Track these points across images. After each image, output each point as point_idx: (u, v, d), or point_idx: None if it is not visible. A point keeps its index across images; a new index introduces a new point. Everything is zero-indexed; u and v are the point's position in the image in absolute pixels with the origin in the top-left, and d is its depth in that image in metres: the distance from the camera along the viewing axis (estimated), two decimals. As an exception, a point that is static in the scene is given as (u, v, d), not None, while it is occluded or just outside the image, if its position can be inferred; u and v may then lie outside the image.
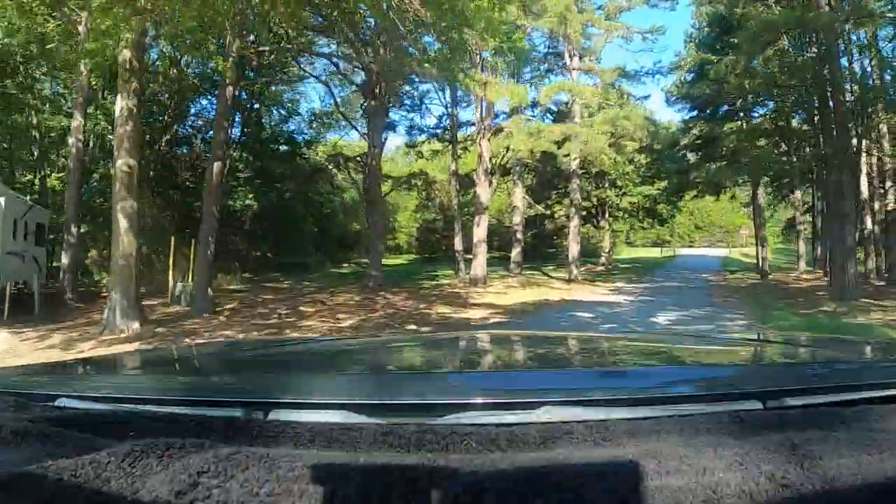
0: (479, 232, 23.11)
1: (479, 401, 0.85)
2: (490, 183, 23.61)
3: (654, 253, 55.50)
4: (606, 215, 38.19)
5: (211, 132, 18.87)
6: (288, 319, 12.97)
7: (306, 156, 29.28)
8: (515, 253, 30.25)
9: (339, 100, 25.46)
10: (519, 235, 30.63)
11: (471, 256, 24.20)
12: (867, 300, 15.38)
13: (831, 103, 16.63)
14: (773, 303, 16.18)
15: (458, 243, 27.54)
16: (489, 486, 0.52)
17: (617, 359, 1.57)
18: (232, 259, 24.20)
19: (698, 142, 31.61)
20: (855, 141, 16.87)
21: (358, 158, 25.94)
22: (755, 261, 32.65)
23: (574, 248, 26.86)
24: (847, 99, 16.72)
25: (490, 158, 24.48)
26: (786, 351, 1.70)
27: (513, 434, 0.67)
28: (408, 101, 29.08)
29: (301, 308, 15.06)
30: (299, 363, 1.55)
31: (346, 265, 33.94)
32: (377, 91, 21.57)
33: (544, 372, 1.29)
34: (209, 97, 23.63)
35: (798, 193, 30.79)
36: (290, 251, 28.94)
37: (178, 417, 0.78)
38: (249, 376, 1.29)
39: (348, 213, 38.77)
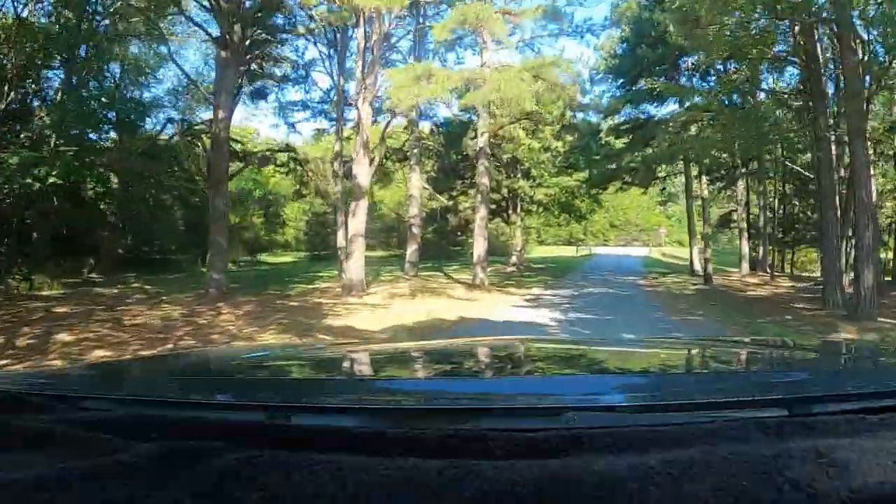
0: (356, 224, 17.59)
1: (502, 407, 0.87)
2: (372, 161, 18.08)
3: (569, 252, 51.26)
4: (518, 209, 33.41)
5: None
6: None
7: (143, 127, 22.91)
8: (411, 251, 25.20)
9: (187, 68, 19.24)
10: (415, 230, 25.53)
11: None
12: (886, 320, 10.89)
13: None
14: (753, 323, 11.51)
15: (340, 238, 22.59)
16: (512, 493, 0.52)
17: (640, 365, 1.58)
18: (84, 254, 22.47)
19: (625, 126, 27.25)
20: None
21: (202, 125, 20.04)
22: (687, 262, 28.78)
23: (480, 246, 21.22)
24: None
25: (382, 136, 19.33)
26: (811, 357, 1.71)
27: (535, 441, 0.66)
28: (292, 74, 25.26)
29: (71, 330, 10.15)
30: (322, 368, 1.57)
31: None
32: (229, 38, 16.34)
33: (567, 378, 1.28)
34: None
35: (740, 186, 26.54)
36: (161, 246, 26.45)
37: (201, 421, 0.76)
38: (272, 381, 1.30)
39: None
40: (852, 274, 12.02)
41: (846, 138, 12.40)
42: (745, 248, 26.17)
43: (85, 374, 1.47)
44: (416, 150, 26.50)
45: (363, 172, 17.57)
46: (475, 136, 22.97)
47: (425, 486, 0.54)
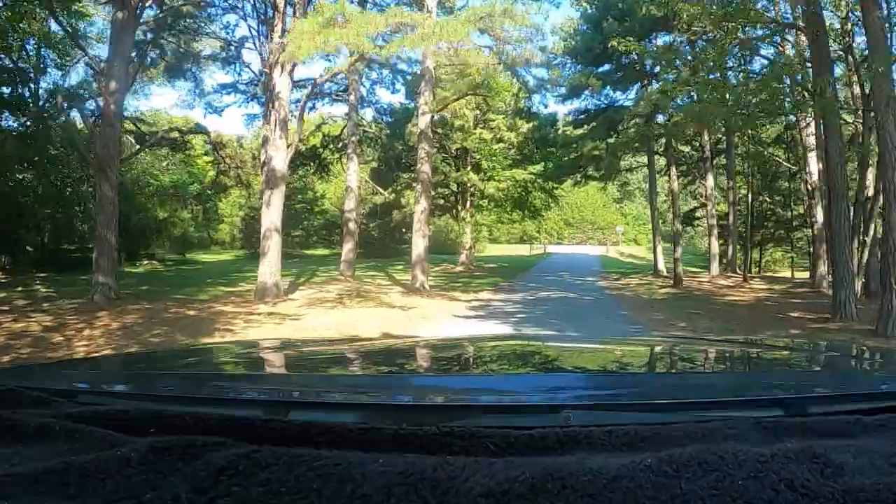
0: (271, 216, 14.70)
1: (499, 404, 0.88)
2: (289, 143, 15.18)
3: (523, 250, 48.85)
4: (468, 204, 30.81)
5: None
6: None
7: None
8: (347, 249, 22.51)
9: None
10: (352, 226, 22.81)
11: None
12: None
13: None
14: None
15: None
16: (509, 490, 0.53)
17: (637, 364, 1.60)
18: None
19: (585, 114, 24.91)
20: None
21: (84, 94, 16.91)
22: (648, 261, 26.67)
23: (420, 244, 17.83)
24: None
25: (301, 113, 16.48)
26: (807, 358, 1.72)
27: (533, 438, 0.67)
28: (221, 54, 22.55)
29: None
30: (319, 364, 1.56)
31: (146, 262, 27.50)
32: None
33: (565, 376, 1.27)
34: None
35: (709, 180, 24.35)
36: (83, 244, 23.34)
37: (200, 416, 0.74)
38: (270, 376, 1.33)
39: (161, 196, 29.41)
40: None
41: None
42: (716, 247, 23.99)
43: (84, 369, 1.44)
44: (354, 138, 23.71)
45: (279, 156, 14.68)
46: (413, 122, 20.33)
47: (422, 482, 0.54)
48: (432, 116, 17.41)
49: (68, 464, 0.57)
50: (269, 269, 14.46)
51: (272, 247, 14.50)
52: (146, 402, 0.90)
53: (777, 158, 21.29)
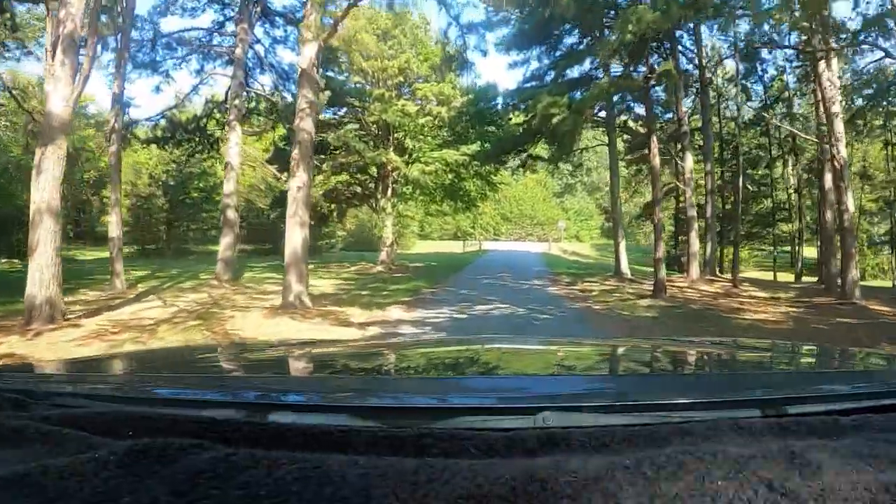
0: (42, 189, 9.01)
1: (479, 406, 0.88)
2: (79, 76, 9.53)
3: (456, 248, 43.69)
4: (390, 192, 25.47)
5: None
6: None
7: None
8: (224, 245, 17.53)
9: None
10: (231, 215, 17.60)
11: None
12: None
13: None
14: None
15: (114, 226, 14.95)
16: (489, 492, 0.53)
17: (616, 365, 1.60)
18: None
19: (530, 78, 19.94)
20: None
21: None
22: (601, 260, 22.14)
23: (296, 237, 11.73)
24: None
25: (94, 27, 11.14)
26: (785, 359, 1.74)
27: (511, 439, 0.67)
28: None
29: None
30: (298, 366, 1.57)
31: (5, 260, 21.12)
32: None
33: (543, 377, 1.29)
34: None
35: (688, 160, 19.28)
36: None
37: (177, 418, 0.75)
38: (248, 378, 1.32)
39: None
40: None
41: None
42: (696, 245, 19.21)
43: (61, 370, 1.44)
44: (238, 101, 18.18)
45: (58, 94, 9.02)
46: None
47: (402, 484, 0.54)
48: (319, 48, 11.91)
49: (45, 467, 0.57)
50: (41, 274, 8.81)
51: (43, 239, 8.83)
52: (124, 405, 0.88)
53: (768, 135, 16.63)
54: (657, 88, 15.49)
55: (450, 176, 26.55)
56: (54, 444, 0.65)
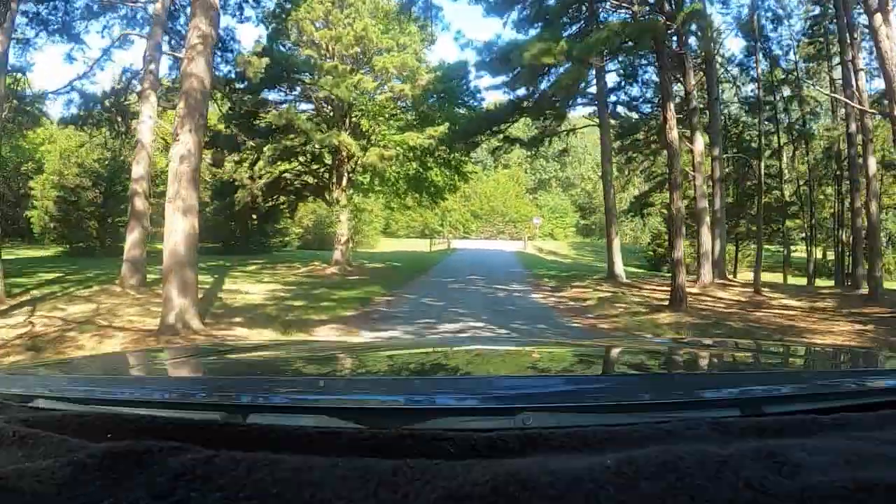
0: None
1: (459, 406, 0.89)
2: None
3: (423, 246, 40.30)
4: (344, 182, 22.09)
5: None
6: None
7: None
8: (130, 243, 14.17)
9: None
10: (140, 205, 14.17)
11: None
12: None
13: None
14: None
15: None
16: (470, 493, 0.53)
17: (595, 365, 1.60)
18: None
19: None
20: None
21: None
22: (579, 260, 19.11)
23: (178, 229, 8.09)
24: None
25: None
26: (763, 359, 1.73)
27: (492, 440, 0.67)
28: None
29: None
30: (278, 367, 1.54)
31: None
32: None
33: (524, 378, 1.26)
34: None
35: (698, 142, 16.02)
36: None
37: (156, 421, 0.76)
38: (228, 380, 1.28)
39: None
40: None
41: None
42: (708, 243, 15.95)
43: (38, 373, 1.40)
44: (151, 68, 14.80)
45: None
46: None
47: (382, 485, 0.54)
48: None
49: (22, 470, 0.57)
50: None
51: None
52: (102, 407, 0.89)
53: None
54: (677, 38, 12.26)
55: (414, 165, 23.30)
56: (32, 448, 0.64)
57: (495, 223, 57.12)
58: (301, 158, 22.76)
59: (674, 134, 11.60)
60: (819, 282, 22.58)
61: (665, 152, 14.55)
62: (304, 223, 39.42)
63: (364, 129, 21.34)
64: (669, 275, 13.48)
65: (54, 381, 1.23)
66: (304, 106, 22.10)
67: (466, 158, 23.29)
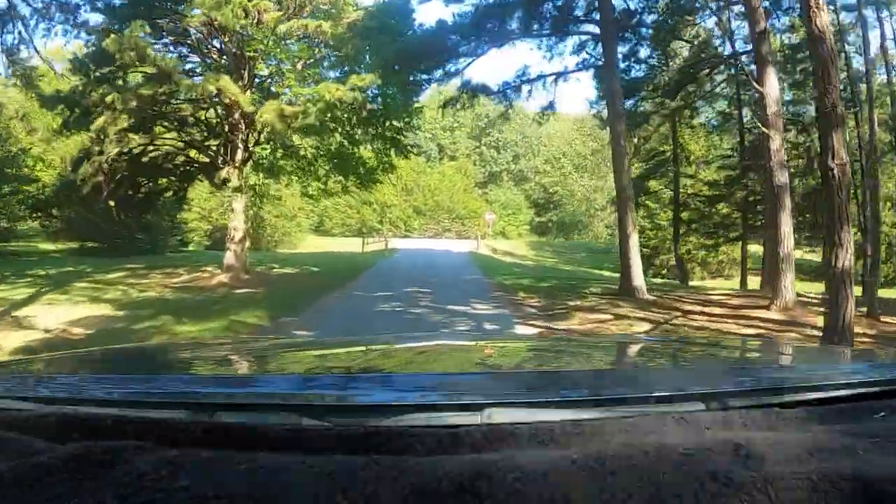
0: None
1: (425, 402, 0.87)
2: None
3: (358, 245, 33.77)
4: (239, 156, 15.77)
5: None
6: None
7: None
8: None
9: None
10: None
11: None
12: None
13: None
14: None
15: None
16: (438, 488, 0.53)
17: (560, 361, 1.57)
18: None
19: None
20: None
21: None
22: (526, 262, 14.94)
23: None
24: None
25: None
26: (727, 354, 1.74)
27: (458, 436, 0.67)
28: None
29: None
30: (245, 364, 1.54)
31: None
32: None
33: (488, 374, 1.23)
34: None
35: (771, 83, 10.12)
36: None
37: (121, 419, 0.74)
38: (194, 377, 1.27)
39: None
40: None
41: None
42: (791, 240, 10.16)
43: (1, 373, 1.32)
44: None
45: None
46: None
47: (350, 482, 0.54)
48: None
49: None
50: None
51: None
52: (66, 407, 0.87)
53: None
54: None
55: (337, 137, 17.21)
56: None
57: (441, 220, 51.09)
58: (195, 131, 16.51)
59: (823, 18, 5.83)
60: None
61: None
62: (214, 217, 32.95)
63: (263, 78, 15.01)
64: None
65: (18, 380, 1.19)
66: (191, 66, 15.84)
67: (404, 123, 17.17)
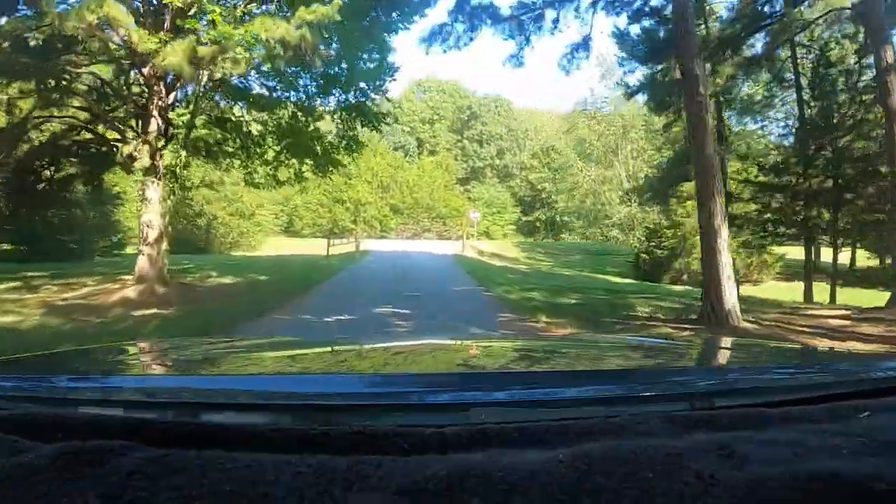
0: None
1: (411, 403, 0.90)
2: None
3: (322, 248, 29.48)
4: (153, 129, 11.63)
5: None
6: None
7: None
8: None
9: None
10: None
11: None
12: None
13: None
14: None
15: None
16: (423, 488, 0.53)
17: (546, 361, 1.59)
18: None
19: None
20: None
21: None
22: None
23: None
24: None
25: None
26: (713, 354, 1.77)
27: (445, 436, 0.67)
28: None
29: None
30: (230, 364, 1.52)
31: None
32: None
33: (476, 374, 1.25)
34: None
35: None
36: None
37: (107, 419, 0.74)
38: (179, 377, 1.28)
39: None
40: None
41: None
42: None
43: None
44: None
45: None
46: None
47: (335, 482, 0.54)
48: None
49: None
50: None
51: None
52: (52, 407, 0.88)
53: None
54: None
55: (289, 109, 13.25)
56: None
57: (420, 219, 47.28)
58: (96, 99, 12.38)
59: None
60: None
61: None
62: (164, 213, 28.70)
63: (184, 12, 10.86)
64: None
65: (2, 380, 1.16)
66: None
67: (377, 87, 13.09)
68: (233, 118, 13.75)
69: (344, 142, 14.07)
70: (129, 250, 27.87)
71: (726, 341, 2.46)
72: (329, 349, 1.81)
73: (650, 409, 0.84)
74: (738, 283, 22.60)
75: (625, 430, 0.69)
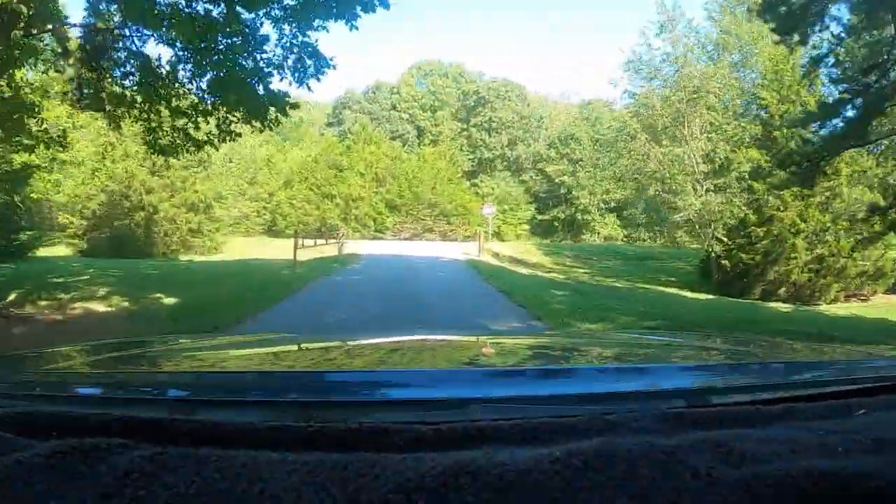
0: None
1: (407, 399, 0.91)
2: None
3: (310, 250, 23.87)
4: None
5: None
6: None
7: None
8: None
9: None
10: None
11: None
12: None
13: None
14: None
15: None
16: (420, 485, 0.54)
17: (542, 358, 1.62)
18: None
19: None
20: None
21: None
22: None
23: None
24: None
25: None
26: (710, 351, 1.77)
27: (440, 433, 0.68)
28: None
29: None
30: (226, 362, 1.55)
31: None
32: None
33: (472, 371, 1.28)
34: None
35: None
36: None
37: (103, 417, 0.73)
38: (175, 374, 1.30)
39: None
40: None
41: None
42: None
43: None
44: None
45: None
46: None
47: (332, 479, 0.54)
48: None
49: None
50: None
51: None
52: (47, 404, 0.88)
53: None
54: None
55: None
56: None
57: (421, 217, 41.82)
58: None
59: None
60: None
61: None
62: (91, 207, 23.15)
63: None
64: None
65: None
66: None
67: None
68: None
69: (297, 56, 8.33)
70: (61, 251, 22.67)
71: (722, 339, 2.37)
72: (325, 346, 1.80)
73: (646, 405, 0.83)
74: (850, 296, 16.46)
75: (621, 427, 0.69)
